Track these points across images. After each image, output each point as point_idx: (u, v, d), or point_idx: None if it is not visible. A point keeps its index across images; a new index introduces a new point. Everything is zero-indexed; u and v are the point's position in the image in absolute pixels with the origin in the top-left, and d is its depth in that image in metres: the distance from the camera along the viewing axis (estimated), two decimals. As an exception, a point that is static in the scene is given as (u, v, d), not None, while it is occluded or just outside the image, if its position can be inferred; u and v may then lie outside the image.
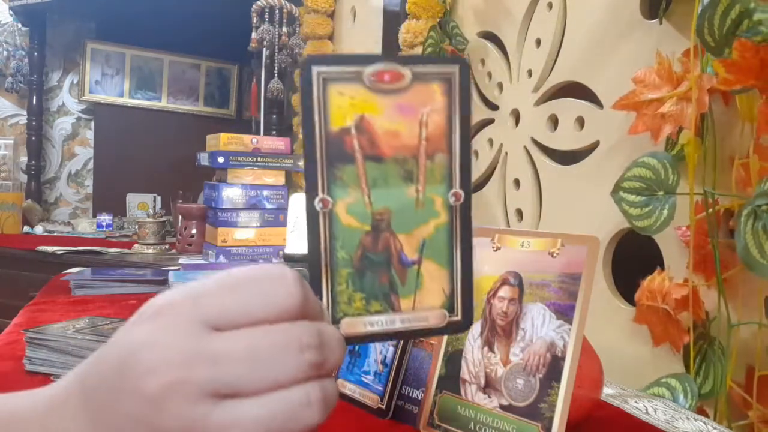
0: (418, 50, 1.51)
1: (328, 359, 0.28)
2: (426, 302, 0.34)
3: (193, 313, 0.27)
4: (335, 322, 0.33)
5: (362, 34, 2.02)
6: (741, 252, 0.65)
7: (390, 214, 0.33)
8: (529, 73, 1.17)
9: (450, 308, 0.34)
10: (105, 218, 2.61)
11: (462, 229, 0.34)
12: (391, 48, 1.66)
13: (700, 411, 0.74)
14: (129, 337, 0.28)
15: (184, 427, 0.26)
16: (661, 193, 0.79)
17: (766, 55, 0.65)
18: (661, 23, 0.86)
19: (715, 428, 0.65)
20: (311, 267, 0.32)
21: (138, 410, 0.26)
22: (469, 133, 0.33)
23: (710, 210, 0.74)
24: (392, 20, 1.73)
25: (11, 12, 2.62)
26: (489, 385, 0.55)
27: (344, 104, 0.32)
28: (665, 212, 0.78)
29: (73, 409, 0.29)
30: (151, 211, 2.14)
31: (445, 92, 0.33)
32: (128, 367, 0.27)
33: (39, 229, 2.50)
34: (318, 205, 0.32)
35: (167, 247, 2.07)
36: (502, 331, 0.55)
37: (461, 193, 0.33)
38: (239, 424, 0.26)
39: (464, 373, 0.57)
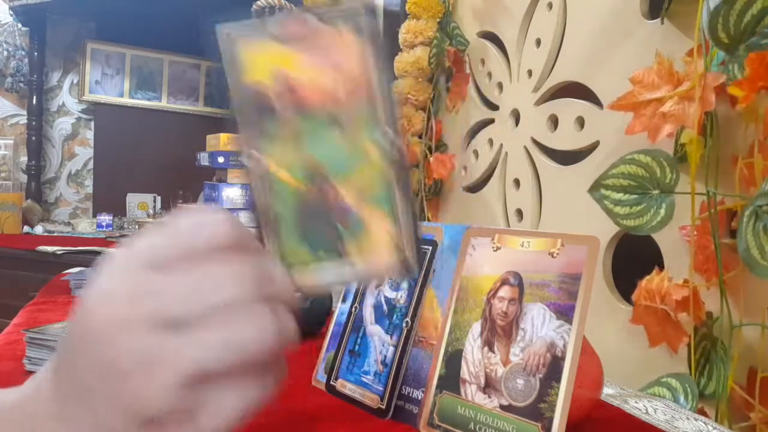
0: (419, 50, 1.51)
1: (273, 286, 0.29)
2: (373, 246, 0.34)
3: (132, 258, 0.28)
4: None
5: (362, 34, 2.02)
6: (742, 253, 0.65)
7: (323, 164, 0.33)
8: (529, 73, 1.17)
9: (397, 250, 0.34)
10: (105, 218, 2.61)
11: (398, 169, 0.33)
12: (391, 48, 1.66)
13: (701, 412, 0.74)
14: (83, 296, 0.29)
15: (142, 359, 0.26)
16: (656, 191, 0.78)
17: None
18: (662, 23, 0.86)
19: (715, 428, 0.65)
20: (255, 225, 0.33)
21: (95, 354, 0.27)
22: (388, 73, 0.33)
23: (712, 210, 0.74)
24: (392, 20, 1.73)
25: (11, 12, 2.62)
26: (489, 385, 0.55)
27: (259, 59, 0.32)
28: (662, 211, 0.77)
29: (47, 386, 0.30)
30: (151, 211, 2.14)
31: (356, 34, 0.32)
32: (81, 317, 0.28)
33: (39, 229, 2.50)
34: (249, 161, 0.32)
35: (167, 247, 2.07)
36: (502, 331, 0.55)
37: (390, 131, 0.33)
38: (196, 347, 0.26)
39: (464, 373, 0.57)
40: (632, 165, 0.80)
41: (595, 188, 0.83)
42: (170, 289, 0.27)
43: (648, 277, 0.81)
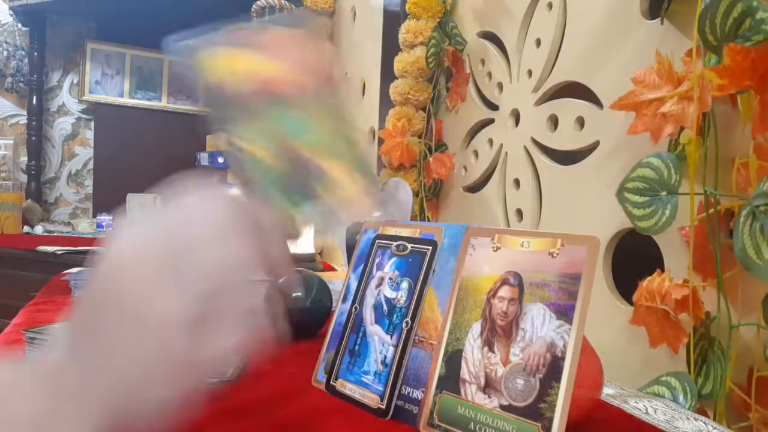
0: (418, 50, 1.51)
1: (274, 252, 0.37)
2: (338, 186, 0.40)
3: (157, 229, 0.35)
4: None
5: (362, 34, 2.02)
6: (738, 253, 0.65)
7: (287, 133, 0.40)
8: (529, 73, 1.17)
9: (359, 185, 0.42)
10: (105, 218, 2.61)
11: (344, 127, 0.42)
12: (390, 48, 1.66)
13: (701, 412, 0.74)
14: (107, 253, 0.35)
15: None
16: (663, 193, 0.79)
17: (758, 56, 0.65)
18: (662, 23, 0.86)
19: (715, 428, 0.65)
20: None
21: (122, 302, 0.32)
22: (341, 64, 0.43)
23: (711, 210, 0.74)
24: (392, 20, 1.73)
25: (11, 12, 2.62)
26: (489, 385, 0.55)
27: (218, 63, 0.39)
28: (667, 212, 0.77)
29: (61, 345, 0.34)
30: (151, 211, 2.14)
31: (308, 35, 0.40)
32: (111, 273, 0.34)
33: (39, 229, 2.50)
34: (228, 146, 0.39)
35: (167, 247, 2.07)
36: (502, 331, 0.55)
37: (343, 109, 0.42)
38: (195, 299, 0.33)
39: (464, 373, 0.57)
40: (646, 168, 0.80)
41: (620, 191, 0.84)
42: (189, 266, 0.33)
43: (649, 278, 0.81)
